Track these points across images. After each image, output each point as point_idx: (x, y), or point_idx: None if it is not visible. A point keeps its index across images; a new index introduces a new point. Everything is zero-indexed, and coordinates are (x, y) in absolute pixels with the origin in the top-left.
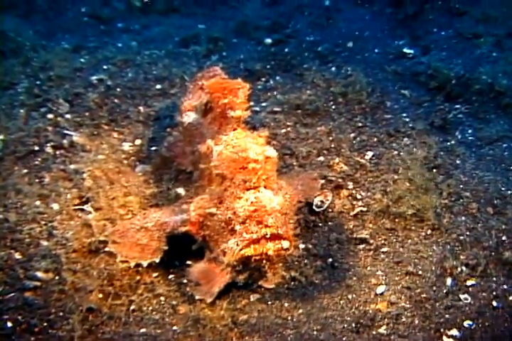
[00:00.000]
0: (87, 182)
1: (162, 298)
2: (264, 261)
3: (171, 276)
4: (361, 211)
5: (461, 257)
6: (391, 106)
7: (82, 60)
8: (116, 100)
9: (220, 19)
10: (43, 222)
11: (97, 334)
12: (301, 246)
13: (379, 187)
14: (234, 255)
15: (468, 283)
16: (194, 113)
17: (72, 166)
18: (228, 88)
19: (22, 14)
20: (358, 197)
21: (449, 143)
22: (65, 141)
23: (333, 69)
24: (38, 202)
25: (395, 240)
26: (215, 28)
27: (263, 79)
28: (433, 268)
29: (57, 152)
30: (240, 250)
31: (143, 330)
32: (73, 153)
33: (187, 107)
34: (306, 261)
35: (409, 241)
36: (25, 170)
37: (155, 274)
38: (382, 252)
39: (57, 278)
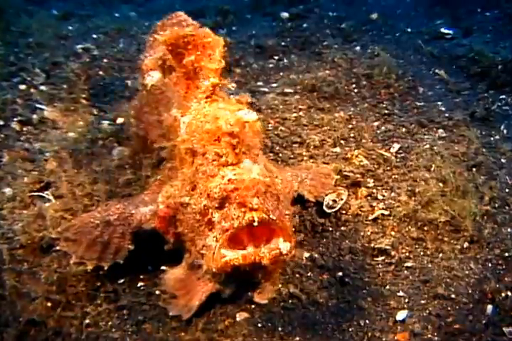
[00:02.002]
0: (50, 164)
1: (125, 312)
2: (255, 271)
3: (139, 284)
4: (382, 215)
5: (506, 279)
6: (424, 93)
7: (69, 27)
8: (101, 72)
9: None
10: None
11: None
12: (305, 254)
13: (405, 187)
14: (214, 259)
15: None
16: (158, 72)
17: (37, 145)
18: (194, 42)
19: None
20: (380, 197)
21: (492, 139)
22: (34, 116)
23: (358, 48)
24: None
25: (422, 253)
26: (226, 1)
27: (276, 57)
28: (469, 292)
29: (24, 128)
30: (220, 248)
31: None
32: (41, 130)
33: (149, 66)
34: (309, 273)
35: (441, 255)
36: None
37: (120, 281)
38: (406, 267)
39: None
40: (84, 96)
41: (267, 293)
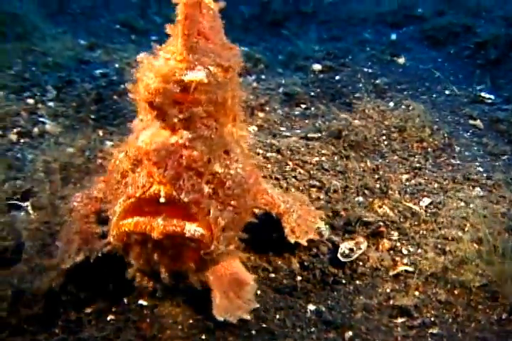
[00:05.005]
0: (38, 174)
1: None
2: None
3: (109, 317)
4: (405, 271)
5: None
6: (460, 152)
7: (93, 54)
8: (115, 96)
9: (269, 50)
10: None
11: None
12: (311, 307)
13: (434, 244)
14: (112, 225)
15: None
16: None
17: (30, 156)
18: None
19: (50, 13)
20: (404, 252)
21: None
22: (35, 129)
23: (391, 103)
24: None
25: (451, 320)
26: (258, 51)
27: (303, 105)
28: None
29: (22, 140)
30: (120, 214)
31: None
32: (39, 143)
33: None
34: (313, 329)
35: (473, 324)
36: None
37: (87, 310)
38: (431, 335)
39: None
40: (92, 116)
41: (221, 309)
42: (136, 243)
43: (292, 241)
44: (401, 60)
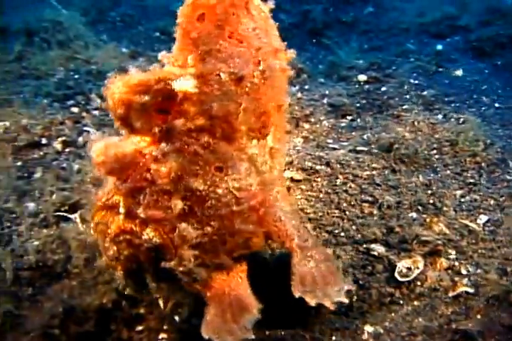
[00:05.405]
0: (86, 185)
1: None
2: None
3: (161, 336)
4: (466, 293)
5: None
6: None
7: (136, 63)
8: None
9: (309, 59)
10: (7, 223)
11: None
12: (368, 328)
13: (495, 264)
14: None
15: None
16: None
17: (76, 166)
18: None
19: (90, 21)
20: (463, 272)
21: None
22: (80, 139)
23: (440, 116)
24: (11, 198)
25: None
26: (299, 60)
27: (349, 117)
28: None
29: (67, 149)
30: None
31: None
32: (84, 152)
33: None
34: None
35: None
36: (19, 163)
37: (139, 328)
38: None
39: None
40: None
41: (210, 327)
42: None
43: (297, 295)
44: (458, 72)
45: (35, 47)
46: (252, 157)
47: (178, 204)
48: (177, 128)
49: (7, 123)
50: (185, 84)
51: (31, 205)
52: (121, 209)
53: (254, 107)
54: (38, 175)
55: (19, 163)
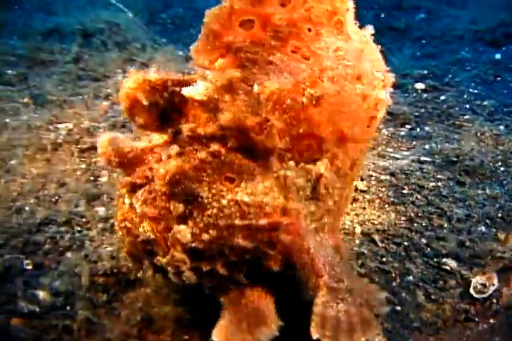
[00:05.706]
0: None
1: None
2: None
3: None
4: None
5: None
6: None
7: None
8: None
9: None
10: (78, 228)
11: None
12: None
13: None
14: None
15: None
16: None
17: None
18: None
19: (143, 23)
20: None
21: None
22: None
23: (502, 127)
24: (81, 202)
25: None
26: None
27: (408, 126)
28: None
29: None
30: None
31: None
32: None
33: None
34: None
35: None
36: (83, 166)
37: None
38: None
39: (67, 307)
40: None
41: (223, 332)
42: None
43: (315, 337)
44: (506, 82)
45: (92, 48)
46: (282, 178)
47: (178, 208)
48: (183, 132)
49: (70, 125)
50: (193, 90)
51: (101, 210)
52: (127, 200)
53: (290, 127)
54: (104, 179)
55: (84, 166)
